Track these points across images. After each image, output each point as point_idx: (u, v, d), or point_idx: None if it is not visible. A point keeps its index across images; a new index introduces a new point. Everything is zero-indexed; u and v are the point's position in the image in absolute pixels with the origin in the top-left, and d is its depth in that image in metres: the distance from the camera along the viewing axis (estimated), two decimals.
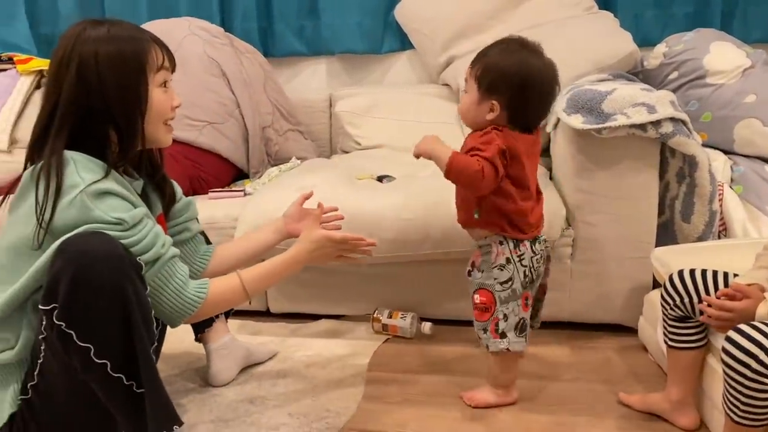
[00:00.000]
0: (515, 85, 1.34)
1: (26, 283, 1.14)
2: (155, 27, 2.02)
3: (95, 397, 1.13)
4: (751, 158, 1.99)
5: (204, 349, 1.64)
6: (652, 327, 1.60)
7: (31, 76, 2.64)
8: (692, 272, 1.33)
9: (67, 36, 1.20)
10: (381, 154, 2.36)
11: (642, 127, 1.60)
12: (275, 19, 2.73)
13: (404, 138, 2.40)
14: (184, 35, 2.37)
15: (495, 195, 1.38)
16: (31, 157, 1.21)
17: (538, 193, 1.47)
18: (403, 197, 1.81)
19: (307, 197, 1.59)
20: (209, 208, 1.96)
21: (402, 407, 1.50)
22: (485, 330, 1.43)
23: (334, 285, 1.94)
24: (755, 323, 1.09)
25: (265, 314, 2.02)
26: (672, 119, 1.60)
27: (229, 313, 1.70)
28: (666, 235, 1.78)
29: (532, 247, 1.42)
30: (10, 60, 2.70)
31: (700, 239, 1.72)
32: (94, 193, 1.13)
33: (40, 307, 1.08)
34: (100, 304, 1.07)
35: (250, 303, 1.39)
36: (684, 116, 1.63)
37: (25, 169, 1.20)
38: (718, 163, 1.93)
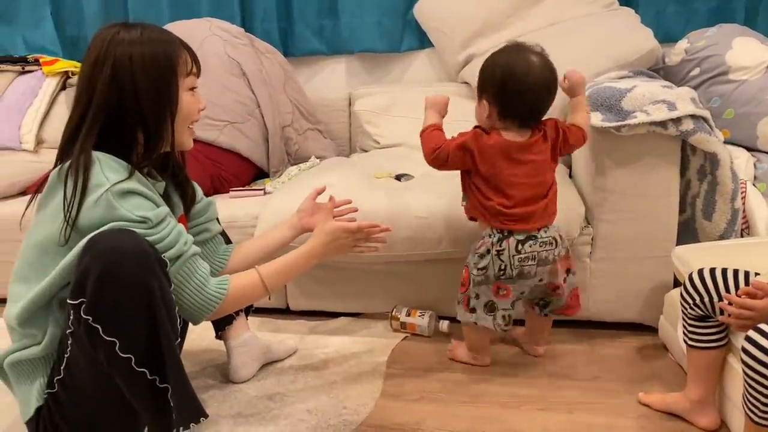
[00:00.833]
0: (497, 80, 1.47)
1: (53, 280, 1.17)
2: (177, 28, 2.06)
3: (120, 391, 1.15)
4: None
5: (225, 346, 1.66)
6: (673, 326, 1.59)
7: (57, 78, 2.69)
8: (712, 271, 1.31)
9: (101, 38, 1.22)
10: (400, 152, 2.36)
11: (662, 124, 1.59)
12: (295, 19, 2.76)
13: None
14: (205, 36, 2.39)
15: (472, 188, 1.54)
16: (62, 156, 1.23)
17: (544, 196, 1.52)
18: (421, 196, 1.82)
19: (320, 192, 1.62)
20: (230, 207, 1.98)
21: (419, 405, 1.50)
22: (459, 302, 1.60)
23: (353, 282, 1.96)
24: None
25: (284, 312, 2.04)
26: (693, 116, 1.59)
27: (249, 311, 1.72)
28: (687, 233, 1.77)
29: (519, 246, 1.49)
30: (36, 62, 2.76)
31: (722, 237, 1.70)
32: (118, 192, 1.15)
33: (68, 301, 1.11)
34: (126, 300, 1.09)
35: (270, 299, 1.41)
36: (705, 113, 1.61)
37: (54, 167, 1.22)
38: (740, 161, 1.91)
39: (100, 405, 1.20)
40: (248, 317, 1.71)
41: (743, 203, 1.76)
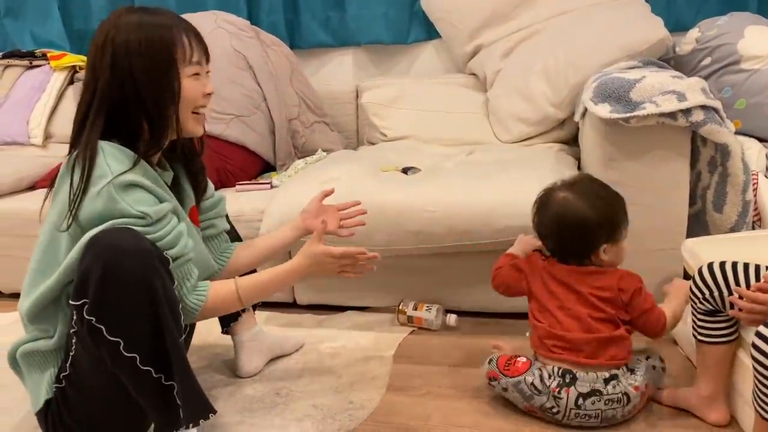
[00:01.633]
0: (546, 229, 1.45)
1: (59, 278, 1.17)
2: None
3: (125, 389, 1.15)
4: None
5: (232, 340, 1.66)
6: (683, 320, 1.57)
7: (65, 72, 2.70)
8: (722, 265, 1.29)
9: (106, 23, 1.22)
10: (407, 145, 2.35)
11: (672, 115, 1.56)
12: (301, 11, 2.74)
13: (430, 129, 2.40)
14: (211, 29, 2.39)
15: None
16: (73, 145, 1.23)
17: (577, 319, 1.37)
18: (428, 189, 1.81)
19: (328, 194, 1.58)
20: (236, 201, 1.98)
21: (426, 399, 1.50)
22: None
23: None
24: None
25: (292, 306, 2.04)
26: (703, 107, 1.56)
27: (257, 305, 1.72)
28: (698, 225, 1.75)
29: (545, 381, 1.33)
30: (43, 56, 2.76)
31: (732, 230, 1.68)
32: (121, 185, 1.14)
33: (71, 302, 1.11)
34: (129, 300, 1.10)
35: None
36: (716, 104, 1.59)
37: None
38: (752, 152, 1.87)
39: (104, 403, 1.21)
40: (255, 311, 1.71)
41: (755, 195, 1.73)
